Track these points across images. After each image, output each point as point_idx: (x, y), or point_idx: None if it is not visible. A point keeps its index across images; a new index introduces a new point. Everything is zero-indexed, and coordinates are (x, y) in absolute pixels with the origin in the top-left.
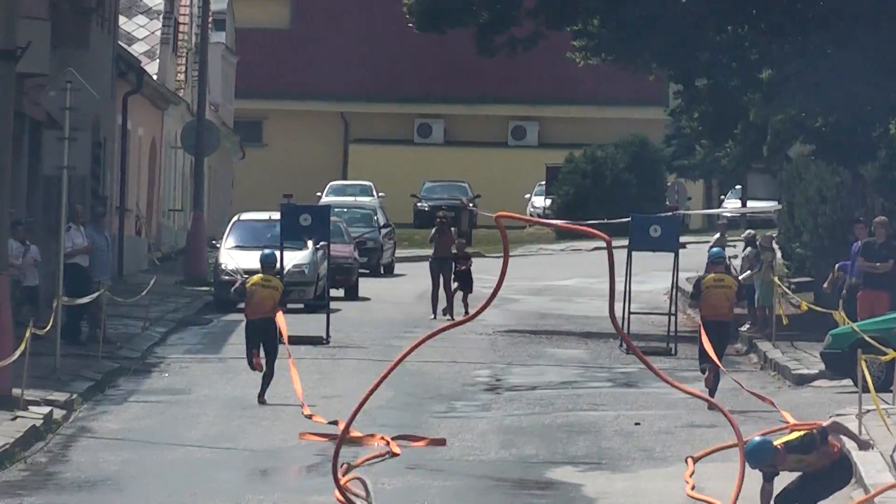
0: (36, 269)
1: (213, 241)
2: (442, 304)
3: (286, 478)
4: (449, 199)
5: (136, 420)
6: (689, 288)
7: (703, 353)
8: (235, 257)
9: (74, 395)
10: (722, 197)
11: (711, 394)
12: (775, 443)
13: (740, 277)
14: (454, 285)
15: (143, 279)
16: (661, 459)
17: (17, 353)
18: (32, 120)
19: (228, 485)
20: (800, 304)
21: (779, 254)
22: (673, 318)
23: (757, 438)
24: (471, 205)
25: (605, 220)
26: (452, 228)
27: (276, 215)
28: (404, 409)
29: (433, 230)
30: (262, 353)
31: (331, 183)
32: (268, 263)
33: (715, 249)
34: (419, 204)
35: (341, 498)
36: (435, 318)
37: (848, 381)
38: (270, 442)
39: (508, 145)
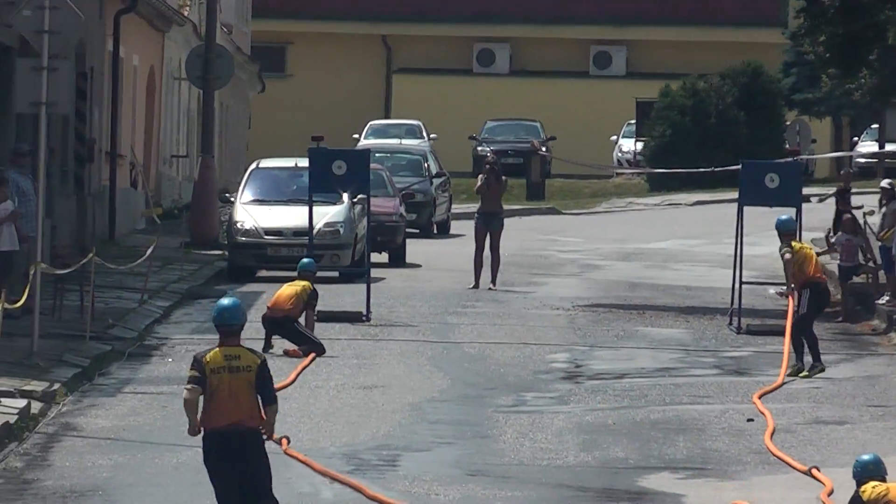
0: (13, 228)
1: (227, 195)
2: (487, 271)
3: (306, 482)
4: (516, 141)
5: (131, 416)
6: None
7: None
8: (254, 214)
9: (56, 385)
10: (855, 139)
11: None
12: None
13: (879, 237)
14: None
15: (139, 241)
16: (778, 464)
17: None
18: (2, 45)
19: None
20: None
21: None
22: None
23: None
24: (543, 149)
25: (710, 169)
26: (504, 177)
27: (304, 162)
28: (462, 402)
29: (479, 178)
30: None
31: (370, 123)
32: (307, 272)
33: (784, 217)
34: (479, 148)
35: None
36: (477, 286)
37: None
38: (297, 443)
39: (590, 75)
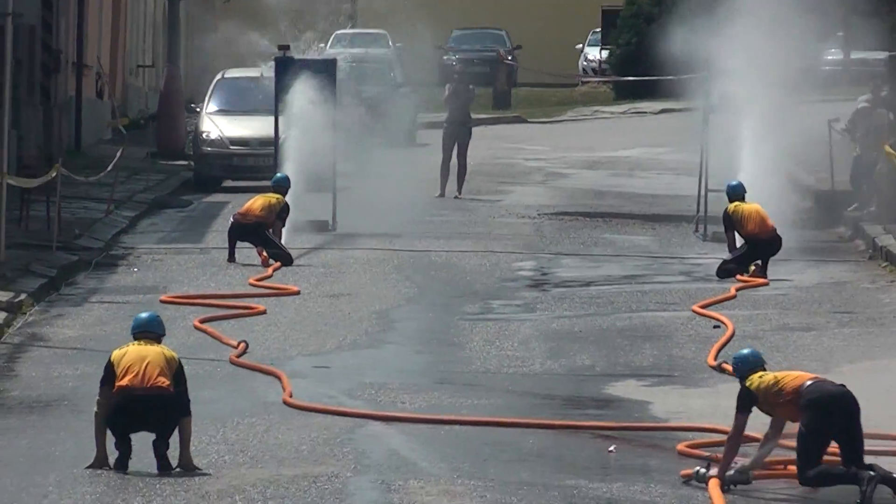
0: None
1: (193, 105)
2: (454, 180)
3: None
4: (482, 50)
5: (98, 325)
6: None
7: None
8: (220, 124)
9: (22, 296)
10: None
11: None
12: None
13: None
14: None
15: (106, 151)
16: None
17: None
18: None
19: (211, 406)
20: None
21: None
22: None
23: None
24: (509, 58)
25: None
26: (471, 86)
27: (270, 72)
28: (428, 310)
29: (447, 88)
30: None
31: (336, 32)
32: (280, 186)
33: (734, 183)
34: (445, 57)
35: None
36: (443, 195)
37: None
38: (263, 352)
39: None
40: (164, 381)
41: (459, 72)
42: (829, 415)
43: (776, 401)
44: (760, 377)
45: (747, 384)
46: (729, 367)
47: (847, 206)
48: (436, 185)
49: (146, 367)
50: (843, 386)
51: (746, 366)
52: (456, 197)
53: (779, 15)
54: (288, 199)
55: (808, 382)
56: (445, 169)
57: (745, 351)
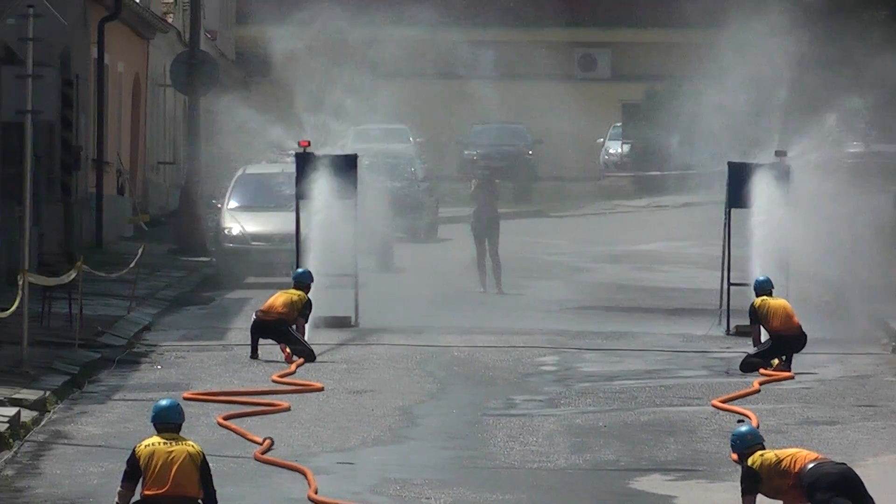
0: None
1: (213, 201)
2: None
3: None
4: (502, 145)
5: (121, 423)
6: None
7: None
8: (241, 220)
9: (46, 393)
10: None
11: None
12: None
13: None
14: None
15: (127, 248)
16: None
17: None
18: None
19: (236, 503)
20: None
21: None
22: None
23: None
24: (529, 152)
25: (696, 172)
26: (497, 181)
27: (291, 168)
28: (451, 405)
29: (473, 183)
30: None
31: (355, 127)
32: (302, 282)
33: (762, 278)
34: (467, 152)
35: None
36: (484, 290)
37: None
38: (286, 448)
39: (575, 78)
40: (193, 490)
41: (485, 167)
42: (834, 496)
43: (781, 485)
44: (762, 455)
45: (749, 463)
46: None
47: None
48: (459, 280)
49: (174, 474)
50: (843, 464)
51: (744, 443)
52: (497, 293)
53: (806, 107)
54: (310, 294)
55: (809, 465)
56: (481, 264)
57: (743, 428)
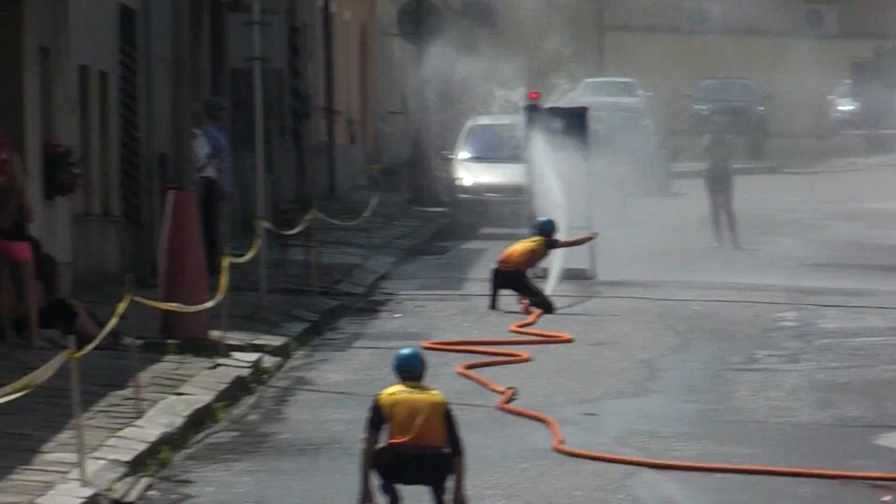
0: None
1: (444, 152)
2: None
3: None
4: (733, 100)
5: (363, 370)
6: None
7: None
8: (474, 171)
9: (288, 340)
10: None
11: None
12: None
13: None
14: None
15: (360, 197)
16: None
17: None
18: (214, 1)
19: (481, 451)
20: None
21: None
22: None
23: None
24: (760, 108)
25: None
26: (730, 136)
27: (520, 119)
28: (692, 359)
29: (705, 139)
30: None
31: (585, 80)
32: (544, 231)
33: None
34: (696, 107)
35: None
36: (719, 245)
37: None
38: (529, 399)
39: (803, 34)
40: (439, 441)
41: (718, 122)
42: None
43: None
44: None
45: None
46: None
47: None
48: (693, 235)
49: (418, 424)
50: None
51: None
52: (734, 247)
53: None
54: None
55: None
56: (716, 219)
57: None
